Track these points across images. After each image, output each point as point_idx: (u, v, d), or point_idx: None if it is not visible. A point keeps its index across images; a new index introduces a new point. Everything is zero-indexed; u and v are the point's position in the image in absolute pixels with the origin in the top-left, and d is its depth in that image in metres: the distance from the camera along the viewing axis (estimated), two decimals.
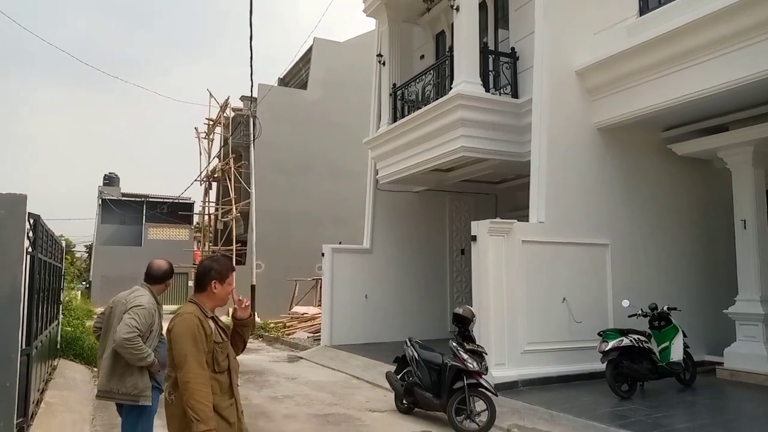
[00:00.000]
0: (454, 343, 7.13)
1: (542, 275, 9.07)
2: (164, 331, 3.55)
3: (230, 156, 25.22)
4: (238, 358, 3.51)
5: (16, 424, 5.45)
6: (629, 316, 8.50)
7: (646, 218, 10.15)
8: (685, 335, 8.22)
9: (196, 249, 30.99)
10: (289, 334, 16.71)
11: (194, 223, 34.79)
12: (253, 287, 19.25)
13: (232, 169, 25.04)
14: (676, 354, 8.03)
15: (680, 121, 9.66)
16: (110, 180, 36.27)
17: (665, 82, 8.49)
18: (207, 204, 29.11)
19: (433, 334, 13.00)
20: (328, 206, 24.25)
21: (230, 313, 3.54)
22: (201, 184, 28.34)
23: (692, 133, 9.70)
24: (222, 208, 27.31)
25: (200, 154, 27.55)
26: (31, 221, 6.12)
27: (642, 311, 8.43)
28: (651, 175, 10.28)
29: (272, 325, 18.43)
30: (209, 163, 27.22)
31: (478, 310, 8.60)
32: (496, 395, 6.91)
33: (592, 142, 9.77)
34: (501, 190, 14.56)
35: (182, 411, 3.15)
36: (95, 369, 8.19)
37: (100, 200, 33.41)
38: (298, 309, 18.96)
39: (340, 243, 14.91)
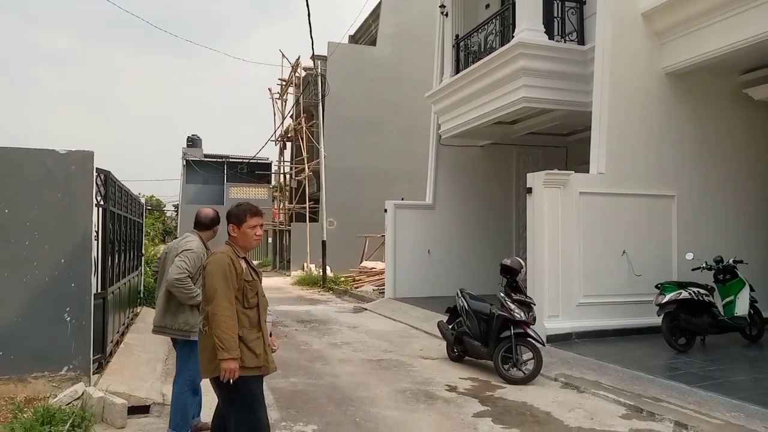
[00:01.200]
0: (501, 294, 7.18)
1: (600, 227, 8.84)
2: None
3: (302, 116, 25.69)
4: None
5: (94, 359, 6.04)
6: (693, 270, 8.16)
7: (717, 168, 9.61)
8: (752, 289, 7.82)
9: (274, 207, 32.11)
10: (357, 288, 17.23)
11: (272, 182, 35.92)
12: (324, 243, 19.85)
13: (304, 128, 25.54)
14: (741, 308, 7.66)
15: (759, 63, 8.96)
16: (193, 142, 37.82)
17: (742, 19, 7.84)
18: (282, 163, 29.96)
19: (498, 288, 12.97)
20: (400, 163, 24.27)
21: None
22: (275, 144, 29.17)
23: None
24: (296, 167, 28.05)
25: (274, 114, 28.27)
26: (102, 176, 6.63)
27: (706, 264, 8.07)
28: (723, 123, 9.67)
29: (342, 279, 19.07)
30: (282, 123, 27.89)
31: (533, 262, 8.57)
32: (544, 345, 6.93)
33: (659, 89, 9.28)
34: (571, 143, 14.08)
35: (213, 342, 3.42)
36: None
37: (184, 161, 35.10)
38: (367, 264, 19.46)
39: (402, 199, 15.05)
